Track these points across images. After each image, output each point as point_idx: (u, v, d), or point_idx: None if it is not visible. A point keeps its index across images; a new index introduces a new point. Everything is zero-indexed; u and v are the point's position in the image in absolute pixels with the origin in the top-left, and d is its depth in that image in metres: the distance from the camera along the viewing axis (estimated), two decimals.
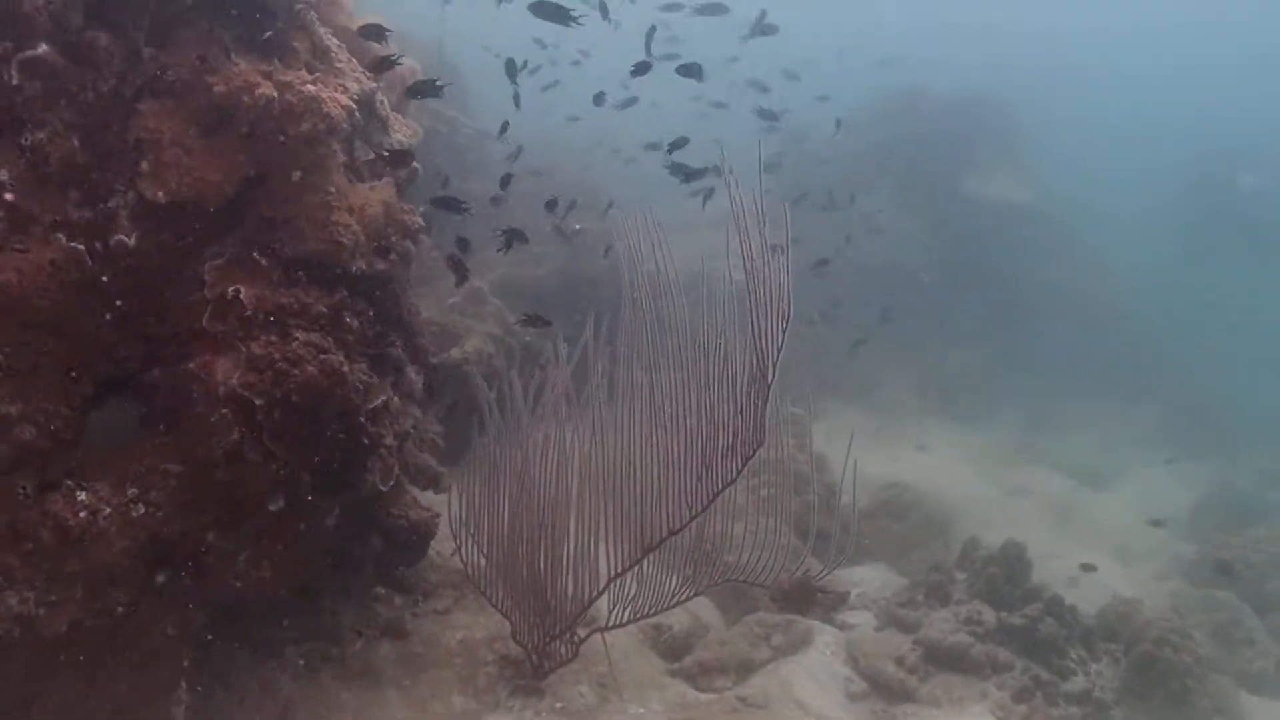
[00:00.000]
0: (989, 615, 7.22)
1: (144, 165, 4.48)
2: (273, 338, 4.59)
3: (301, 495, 4.85)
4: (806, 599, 5.54)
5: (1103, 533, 12.60)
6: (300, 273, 4.91)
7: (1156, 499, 14.54)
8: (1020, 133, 22.03)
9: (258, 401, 4.47)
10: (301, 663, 5.80)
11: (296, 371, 4.53)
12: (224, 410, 4.49)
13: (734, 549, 5.93)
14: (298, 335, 4.63)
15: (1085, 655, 7.26)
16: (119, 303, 4.41)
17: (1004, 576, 7.51)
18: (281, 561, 4.96)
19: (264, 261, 4.79)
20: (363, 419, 4.99)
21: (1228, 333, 24.68)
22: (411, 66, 7.03)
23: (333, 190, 5.13)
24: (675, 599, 6.02)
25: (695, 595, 6.07)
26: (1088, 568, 9.47)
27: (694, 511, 5.55)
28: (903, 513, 9.62)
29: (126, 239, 4.42)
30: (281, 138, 4.77)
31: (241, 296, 4.60)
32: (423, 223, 5.86)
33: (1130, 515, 13.81)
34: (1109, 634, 7.69)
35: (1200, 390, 20.49)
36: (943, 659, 6.93)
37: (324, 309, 4.84)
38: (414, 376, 5.96)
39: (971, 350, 17.98)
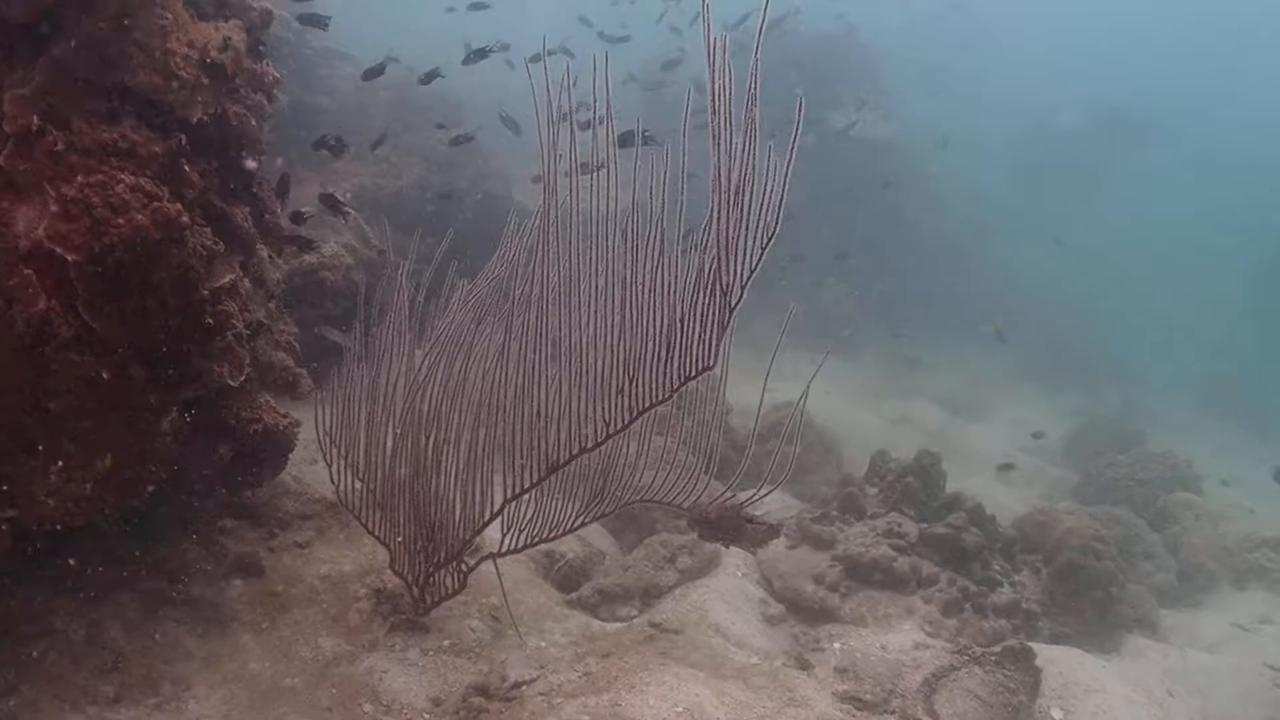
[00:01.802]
0: (910, 527, 6.69)
1: None
2: (92, 179, 3.58)
3: (130, 387, 3.88)
4: (733, 529, 4.85)
5: (982, 459, 12.42)
6: (129, 108, 3.89)
7: (1029, 429, 14.56)
8: (880, 72, 21.86)
9: (71, 258, 3.49)
10: (136, 607, 4.82)
11: (121, 220, 3.54)
12: (26, 271, 3.49)
13: (634, 470, 5.22)
14: (123, 178, 3.64)
15: (1007, 567, 6.83)
16: None
17: (920, 487, 7.01)
18: (105, 476, 3.99)
19: (82, 90, 3.76)
20: (206, 291, 4.02)
21: (1067, 268, 25.43)
22: None
23: (169, 17, 4.11)
24: (579, 520, 5.26)
25: (602, 517, 5.31)
26: (1005, 468, 9.15)
27: (611, 429, 4.78)
28: (794, 434, 9.02)
29: None
30: None
31: (50, 128, 3.58)
32: (278, 75, 4.89)
33: (1005, 444, 13.78)
34: (1028, 544, 7.30)
35: (1052, 327, 20.88)
36: (865, 574, 6.36)
37: (158, 150, 3.84)
38: (266, 260, 5.01)
39: (837, 288, 17.70)
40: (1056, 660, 5.81)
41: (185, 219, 3.73)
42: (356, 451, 5.20)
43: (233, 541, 5.45)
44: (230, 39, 4.48)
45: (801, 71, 18.04)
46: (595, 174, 4.26)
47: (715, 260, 4.11)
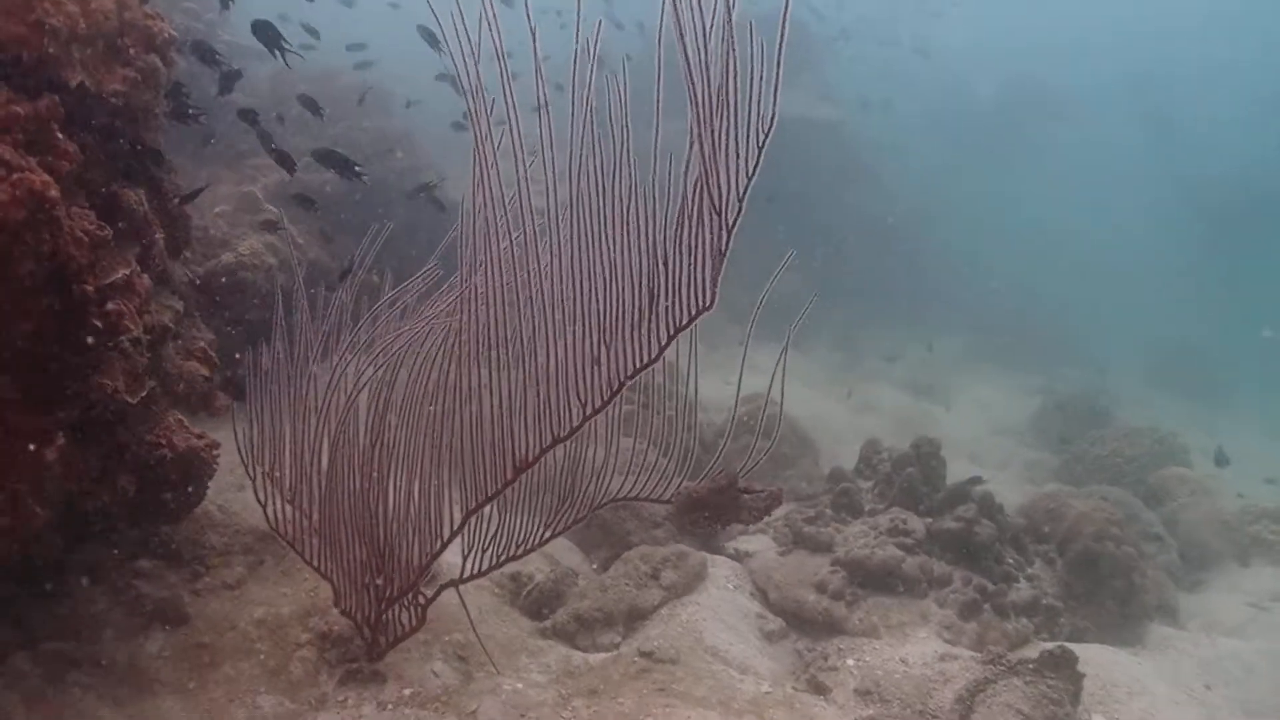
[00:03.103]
0: (915, 523, 6.05)
1: None
2: None
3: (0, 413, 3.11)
4: (729, 505, 4.17)
5: (953, 443, 11.88)
6: None
7: (994, 411, 14.15)
8: (819, 52, 21.42)
9: None
10: (38, 674, 4.02)
11: None
12: None
13: (605, 467, 4.55)
14: None
15: (1021, 560, 6.23)
16: None
17: (921, 478, 6.39)
18: None
19: None
20: (91, 289, 3.24)
21: (1006, 246, 25.30)
22: None
23: None
24: (548, 532, 4.55)
25: (576, 523, 4.62)
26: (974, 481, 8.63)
27: (588, 408, 4.03)
28: (769, 427, 8.41)
29: None
30: None
31: None
32: (173, 33, 4.12)
33: (975, 425, 13.33)
34: (1038, 534, 6.69)
35: (1001, 306, 20.63)
36: (871, 578, 5.70)
37: (21, 112, 3.06)
38: (166, 253, 4.23)
39: (785, 276, 17.12)
40: (1090, 661, 5.21)
41: (56, 194, 2.96)
42: (287, 470, 4.45)
43: (150, 586, 4.64)
44: None
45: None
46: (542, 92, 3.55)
47: (701, 174, 3.43)
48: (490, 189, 3.78)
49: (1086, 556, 6.33)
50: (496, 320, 3.94)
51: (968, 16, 39.70)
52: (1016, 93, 33.40)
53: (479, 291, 3.93)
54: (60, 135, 3.23)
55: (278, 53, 5.99)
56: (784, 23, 3.02)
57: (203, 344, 4.64)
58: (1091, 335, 21.50)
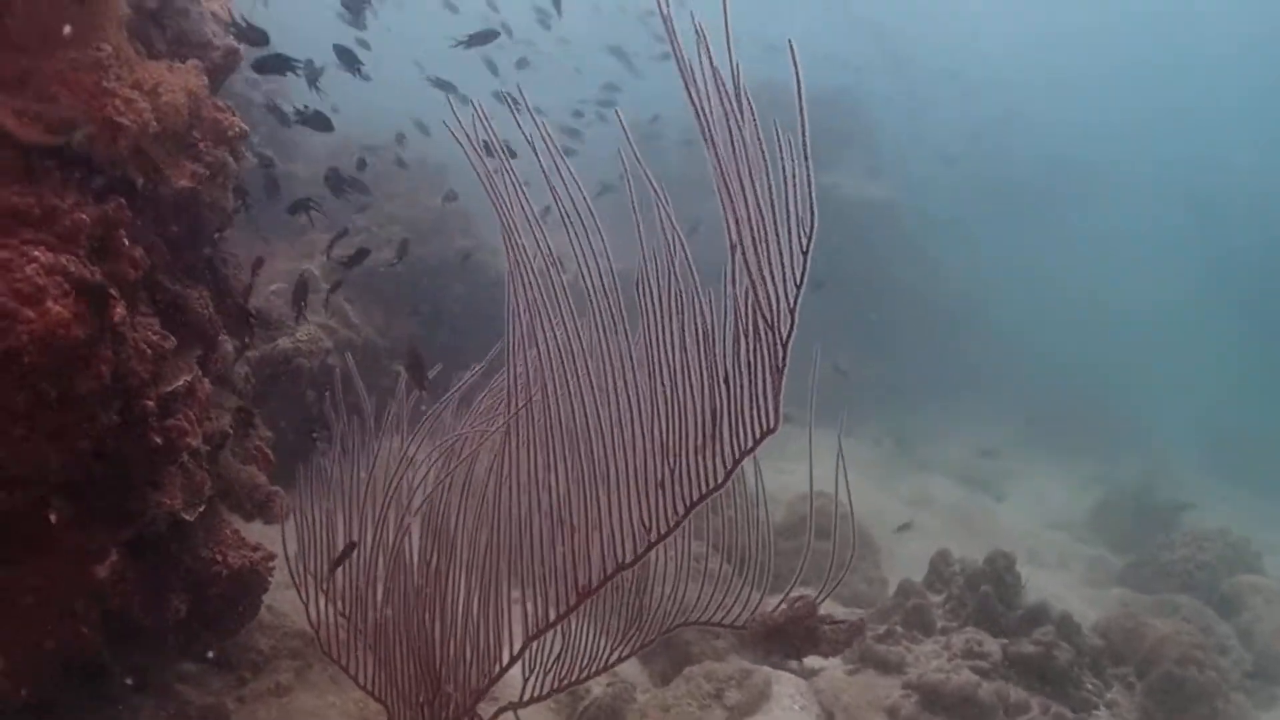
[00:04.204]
0: (991, 645, 5.73)
1: None
2: None
3: (50, 531, 2.92)
4: (807, 636, 3.91)
5: (1010, 539, 11.48)
6: (49, 163, 2.97)
7: (1051, 503, 13.72)
8: (870, 128, 21.32)
9: None
10: None
11: (32, 314, 2.59)
12: None
13: (675, 585, 4.30)
14: (38, 255, 2.70)
15: (1100, 684, 5.89)
16: None
17: (996, 596, 6.08)
18: (20, 645, 3.02)
19: None
20: (151, 403, 3.07)
21: (1052, 325, 24.90)
22: None
23: (108, 49, 3.22)
24: (615, 654, 4.30)
25: (643, 648, 4.36)
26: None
27: (653, 534, 3.81)
28: (828, 527, 8.12)
29: None
30: None
31: None
32: (245, 127, 4.00)
33: (1032, 520, 12.90)
34: (1115, 655, 6.34)
35: (1050, 390, 20.18)
36: (946, 704, 5.38)
37: (86, 219, 2.90)
38: (231, 353, 4.07)
39: (836, 357, 16.87)
40: None
41: (122, 311, 2.80)
42: (338, 582, 4.23)
43: (194, 692, 4.43)
44: (191, 87, 3.59)
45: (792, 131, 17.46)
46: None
47: (749, 289, 3.22)
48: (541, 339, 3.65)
49: (1169, 682, 5.98)
50: (552, 442, 3.76)
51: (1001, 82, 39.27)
52: (1055, 169, 33.20)
53: (535, 414, 3.77)
54: (126, 241, 3.08)
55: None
56: (805, 143, 2.83)
57: (259, 442, 4.45)
58: (1143, 417, 20.95)
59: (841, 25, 33.22)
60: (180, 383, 3.33)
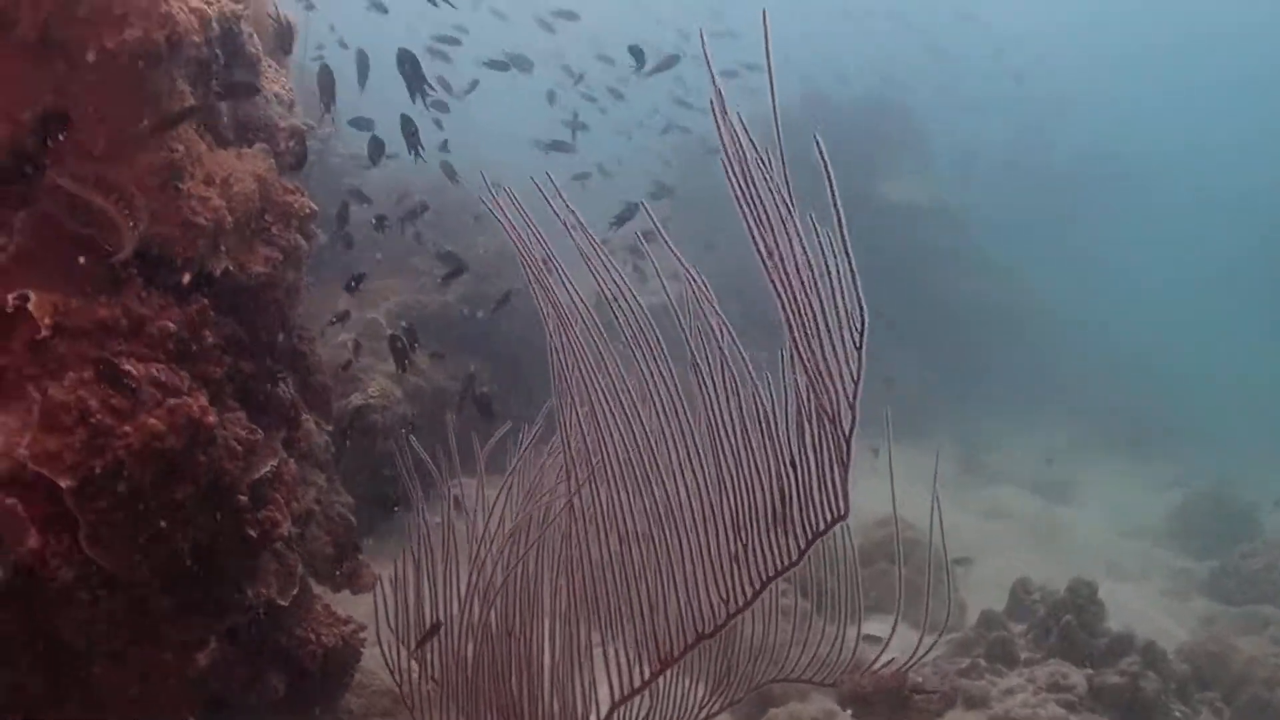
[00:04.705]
0: (1076, 677, 5.64)
1: None
2: (87, 374, 2.73)
3: (153, 626, 3.00)
4: (897, 704, 3.91)
5: (1088, 550, 11.31)
6: (133, 270, 3.06)
7: (1126, 510, 13.45)
8: (920, 135, 21.15)
9: (65, 483, 2.63)
10: None
11: (129, 429, 2.68)
12: (8, 500, 2.64)
13: (763, 642, 4.32)
14: (130, 368, 2.78)
15: (1188, 711, 5.78)
16: None
17: (1079, 624, 5.99)
18: None
19: (71, 248, 2.94)
20: (244, 497, 3.15)
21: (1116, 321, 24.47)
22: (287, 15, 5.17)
23: (180, 148, 3.30)
24: (703, 714, 4.32)
25: (732, 705, 4.38)
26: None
27: (731, 606, 3.85)
28: (905, 553, 8.03)
29: None
30: (94, 52, 2.94)
31: (31, 307, 2.74)
32: (314, 207, 4.08)
33: (1108, 530, 12.66)
34: (1200, 679, 6.23)
35: (1120, 389, 19.80)
36: None
37: (172, 326, 2.99)
38: (313, 429, 4.15)
39: (903, 367, 16.74)
40: None
41: (213, 419, 2.87)
42: (431, 656, 4.28)
43: None
44: (259, 173, 3.68)
45: (840, 144, 17.41)
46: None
47: (809, 386, 3.27)
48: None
49: (1257, 705, 5.87)
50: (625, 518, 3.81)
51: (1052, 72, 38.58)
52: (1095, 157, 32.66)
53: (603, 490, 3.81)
54: (210, 339, 3.16)
55: (417, 96, 6.20)
56: (844, 238, 2.82)
57: (341, 508, 4.52)
58: (1214, 417, 20.44)
59: (892, 32, 33.04)
60: (268, 468, 3.41)
